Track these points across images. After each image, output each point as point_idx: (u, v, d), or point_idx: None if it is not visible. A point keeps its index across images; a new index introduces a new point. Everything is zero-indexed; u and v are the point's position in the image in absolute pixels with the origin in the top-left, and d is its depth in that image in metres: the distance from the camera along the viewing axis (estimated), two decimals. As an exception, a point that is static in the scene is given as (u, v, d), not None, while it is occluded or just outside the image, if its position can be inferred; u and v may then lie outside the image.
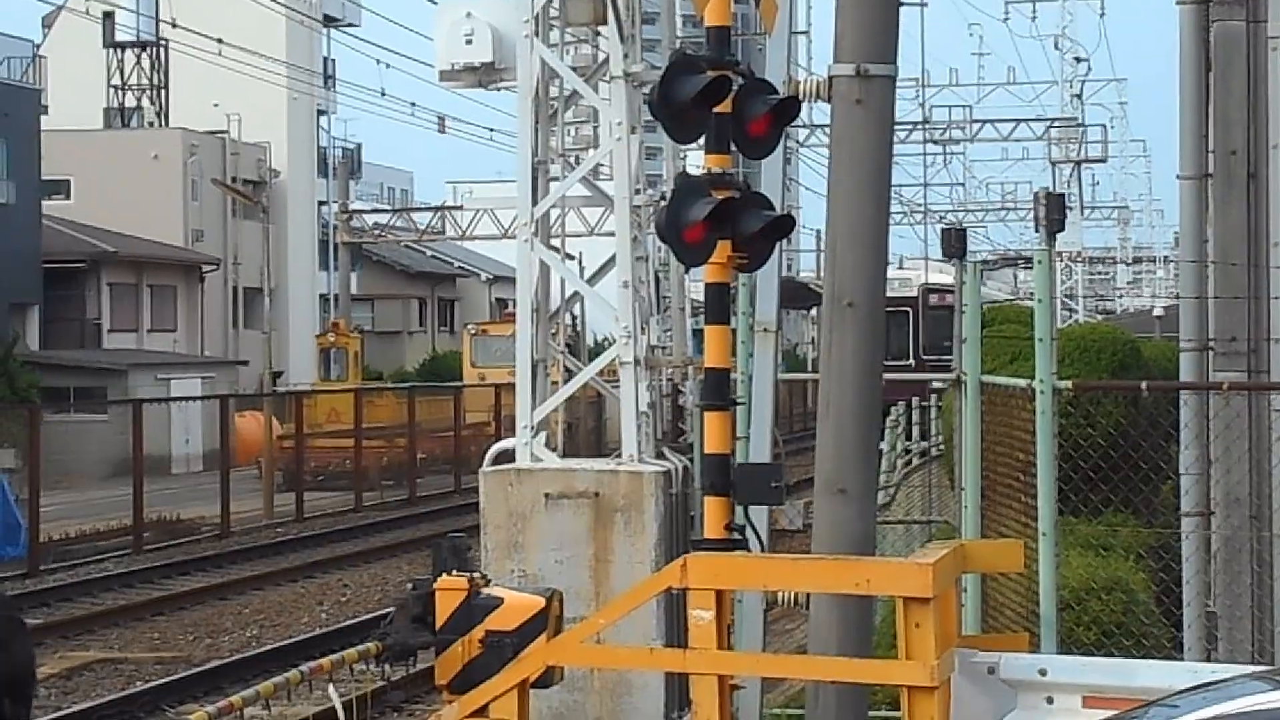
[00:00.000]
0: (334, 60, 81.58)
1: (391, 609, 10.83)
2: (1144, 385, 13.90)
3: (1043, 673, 8.68)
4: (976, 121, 63.87)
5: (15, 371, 49.99)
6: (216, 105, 68.25)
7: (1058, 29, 77.27)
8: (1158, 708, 6.64)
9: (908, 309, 50.40)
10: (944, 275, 48.39)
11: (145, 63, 71.21)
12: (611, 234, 14.97)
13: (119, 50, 70.85)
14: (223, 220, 68.40)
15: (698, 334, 12.77)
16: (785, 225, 11.24)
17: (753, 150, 11.21)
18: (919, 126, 57.86)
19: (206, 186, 64.51)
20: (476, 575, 10.44)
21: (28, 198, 57.43)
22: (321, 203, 77.08)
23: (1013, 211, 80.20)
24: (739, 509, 11.16)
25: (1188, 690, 6.90)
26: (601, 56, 15.61)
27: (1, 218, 55.42)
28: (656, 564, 13.36)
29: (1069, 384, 12.24)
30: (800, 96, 11.09)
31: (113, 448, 47.72)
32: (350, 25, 77.84)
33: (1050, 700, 8.59)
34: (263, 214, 54.90)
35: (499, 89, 17.80)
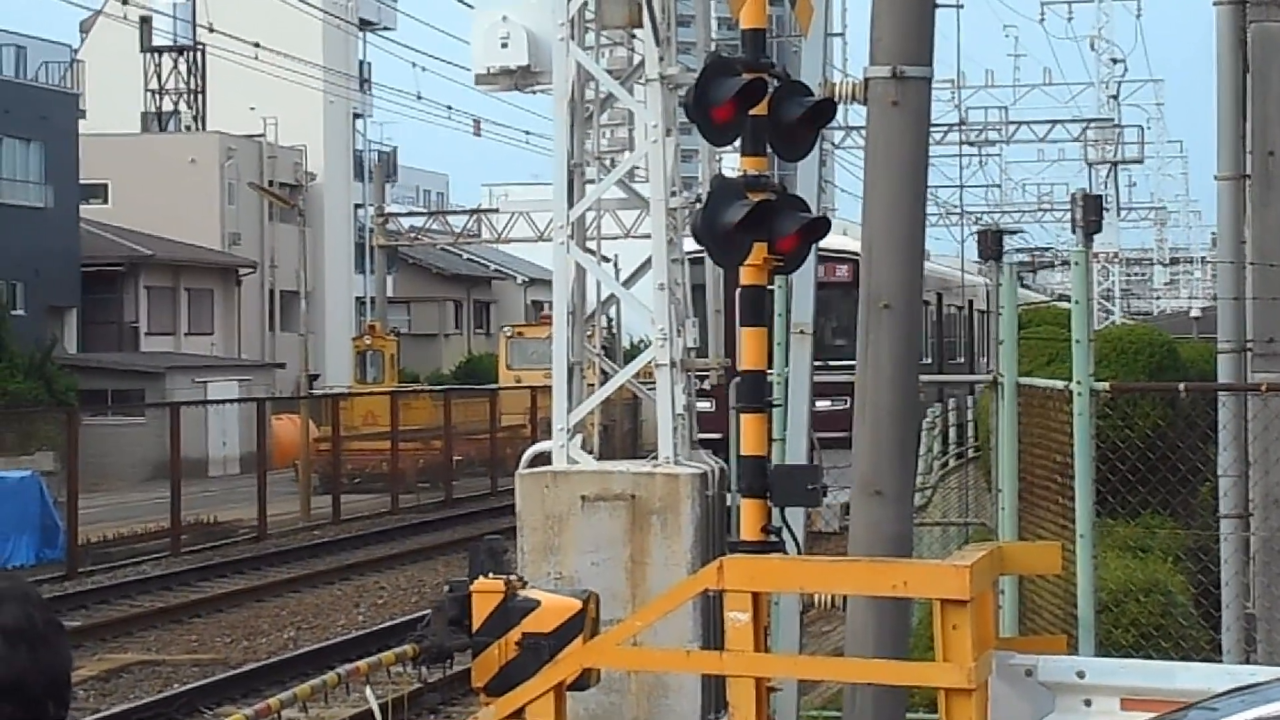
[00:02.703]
0: (370, 64, 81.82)
1: (428, 611, 10.85)
2: (1182, 387, 13.86)
3: (1081, 675, 8.66)
4: (1012, 123, 63.70)
5: (53, 374, 50.19)
6: (253, 109, 68.45)
7: (1094, 30, 77.04)
8: (1197, 711, 6.63)
9: None
10: (845, 239, 32.84)
11: (182, 67, 71.46)
12: (647, 236, 14.96)
13: (156, 55, 71.11)
14: (259, 223, 68.61)
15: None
16: (821, 227, 11.25)
17: (788, 152, 11.22)
18: (955, 128, 57.70)
19: (243, 190, 64.69)
20: (513, 577, 10.45)
21: (66, 202, 57.68)
22: (357, 206, 77.26)
23: (1049, 213, 79.98)
24: (775, 511, 11.16)
25: (1227, 693, 6.88)
26: (637, 59, 15.61)
27: (40, 221, 55.66)
28: (693, 566, 13.35)
29: (1106, 386, 12.22)
30: (836, 98, 11.09)
31: (150, 450, 47.88)
32: (386, 29, 77.97)
33: (1088, 703, 8.56)
34: (299, 217, 54.99)
35: (535, 92, 17.81)
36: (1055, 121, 64.74)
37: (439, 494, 45.11)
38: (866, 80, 10.15)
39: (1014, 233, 63.04)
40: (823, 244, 20.52)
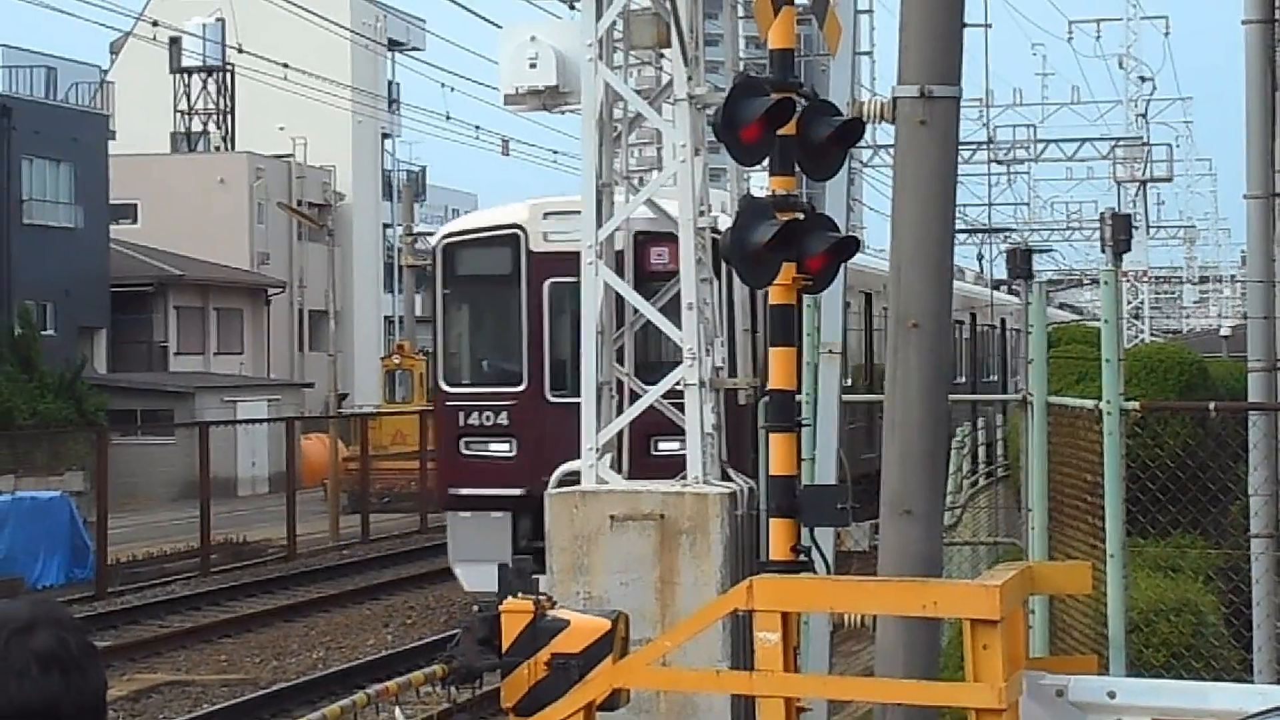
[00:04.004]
0: (398, 84, 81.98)
1: (458, 631, 10.85)
2: (1212, 406, 13.81)
3: (1112, 695, 8.63)
4: (1041, 141, 63.59)
5: (83, 394, 50.32)
6: (282, 129, 68.64)
7: (1122, 48, 76.89)
8: (1228, 731, 6.60)
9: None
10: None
11: (211, 88, 71.72)
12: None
13: (186, 75, 71.39)
14: (288, 243, 68.77)
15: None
16: (850, 247, 11.25)
17: (817, 172, 11.22)
18: (983, 146, 57.65)
19: (272, 210, 64.86)
20: (542, 597, 10.45)
21: (96, 222, 57.87)
22: (386, 225, 77.42)
23: (1078, 231, 79.83)
24: (804, 530, 11.15)
25: (1259, 714, 6.85)
26: (665, 79, 15.63)
27: (70, 242, 55.84)
28: (722, 586, 13.34)
29: (1136, 405, 12.18)
30: (864, 118, 11.09)
31: (179, 470, 47.99)
32: (415, 49, 78.20)
33: (1119, 723, 8.53)
34: (328, 237, 55.15)
35: (563, 112, 17.85)
36: (1084, 140, 64.58)
37: (468, 513, 45.03)
38: (895, 99, 10.15)
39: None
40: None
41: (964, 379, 38.38)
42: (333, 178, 71.22)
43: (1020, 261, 30.07)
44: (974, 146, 56.50)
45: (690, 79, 14.46)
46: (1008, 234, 63.44)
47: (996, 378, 45.03)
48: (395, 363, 57.68)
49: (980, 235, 60.24)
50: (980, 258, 57.12)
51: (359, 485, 42.41)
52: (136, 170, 63.16)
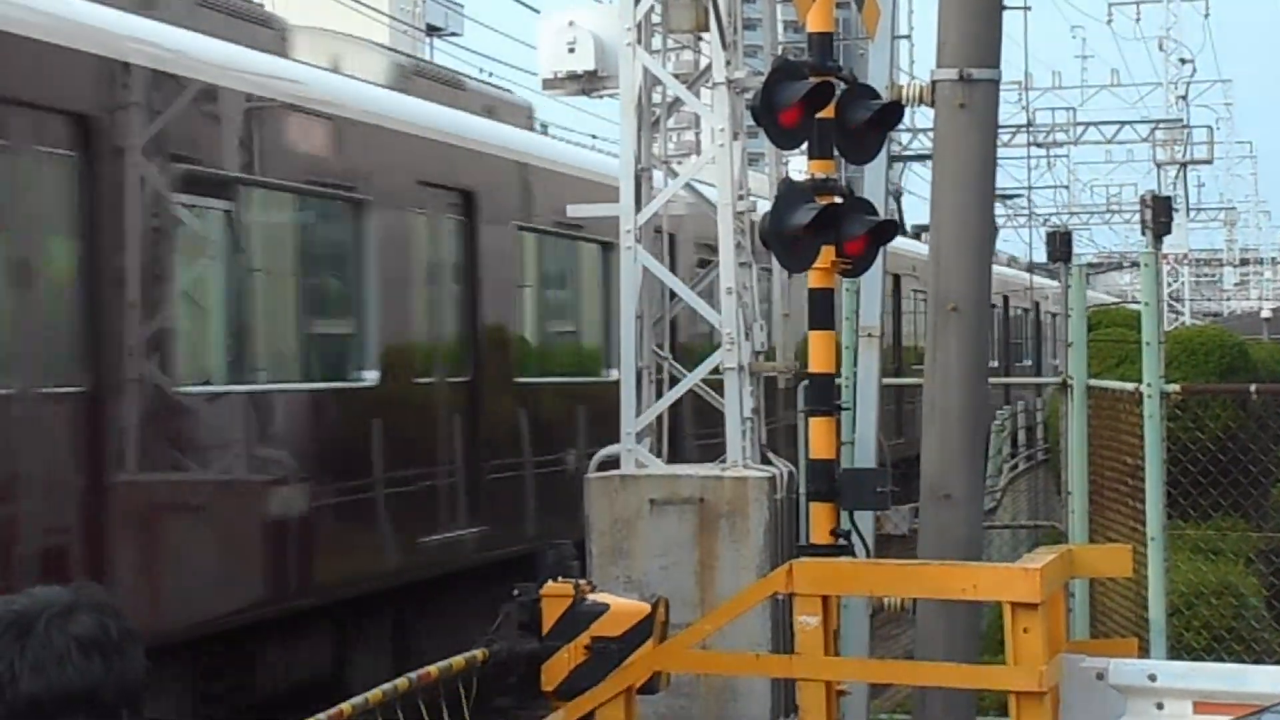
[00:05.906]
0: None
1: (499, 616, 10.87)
2: (1253, 388, 13.78)
3: (1152, 678, 8.63)
4: (1080, 124, 63.37)
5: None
6: (321, 115, 68.74)
7: (1162, 30, 76.61)
8: (1270, 714, 6.60)
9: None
10: None
11: (250, 74, 71.88)
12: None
13: (224, 62, 71.55)
14: (327, 229, 68.87)
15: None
16: (888, 230, 11.24)
17: (856, 155, 11.22)
18: (1022, 129, 57.47)
19: (311, 196, 64.94)
20: (581, 581, 10.47)
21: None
22: (425, 211, 77.45)
23: (1118, 214, 79.59)
24: (844, 514, 11.17)
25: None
26: (703, 63, 15.61)
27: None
28: (762, 570, 13.34)
29: (1177, 387, 12.16)
30: (903, 101, 11.08)
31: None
32: (453, 34, 78.22)
33: (1160, 706, 8.54)
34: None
35: (601, 96, 17.84)
36: (1123, 122, 64.38)
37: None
38: (934, 83, 10.14)
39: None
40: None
41: (996, 363, 38.30)
42: (371, 163, 71.29)
43: (1059, 244, 30.00)
44: (1013, 129, 56.31)
45: (729, 63, 14.43)
46: (1046, 218, 63.21)
47: (1030, 361, 45.03)
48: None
49: (1019, 217, 60.07)
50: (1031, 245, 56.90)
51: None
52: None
